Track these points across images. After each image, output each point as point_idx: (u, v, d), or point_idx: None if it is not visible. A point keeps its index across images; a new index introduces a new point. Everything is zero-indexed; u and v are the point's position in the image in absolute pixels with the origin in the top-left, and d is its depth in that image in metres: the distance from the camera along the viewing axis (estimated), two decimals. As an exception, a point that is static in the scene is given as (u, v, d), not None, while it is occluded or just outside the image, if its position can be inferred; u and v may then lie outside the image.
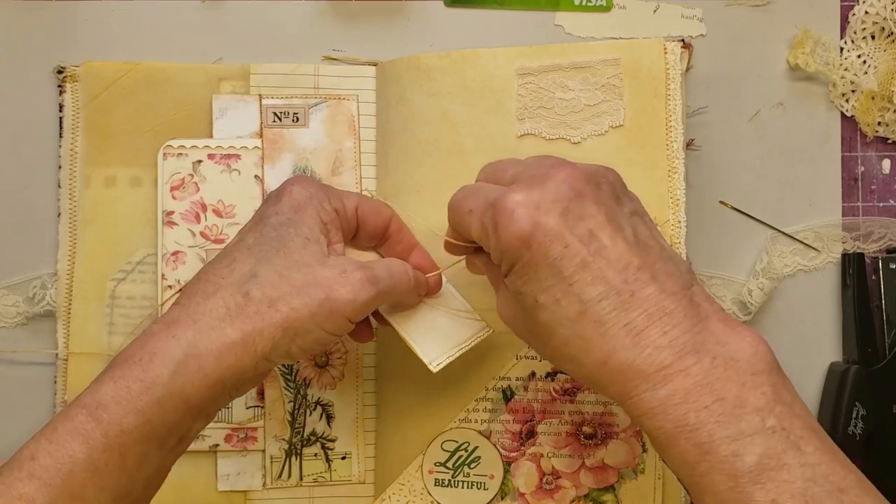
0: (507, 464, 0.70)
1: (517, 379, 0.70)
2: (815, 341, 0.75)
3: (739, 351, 0.50)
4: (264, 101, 0.73)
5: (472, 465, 0.70)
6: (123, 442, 0.51)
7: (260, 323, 0.54)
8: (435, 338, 0.65)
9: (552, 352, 0.53)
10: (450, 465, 0.70)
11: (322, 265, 0.57)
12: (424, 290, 0.65)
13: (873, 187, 0.75)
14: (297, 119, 0.73)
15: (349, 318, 0.57)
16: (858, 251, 0.74)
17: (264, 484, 0.72)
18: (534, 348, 0.57)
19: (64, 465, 0.50)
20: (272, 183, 0.72)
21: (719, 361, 0.50)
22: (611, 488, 0.70)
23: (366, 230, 0.64)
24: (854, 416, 0.71)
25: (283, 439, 0.72)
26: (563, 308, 0.51)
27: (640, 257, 0.52)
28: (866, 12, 0.74)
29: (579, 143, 0.70)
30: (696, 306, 0.51)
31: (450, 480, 0.70)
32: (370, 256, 0.66)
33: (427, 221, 0.70)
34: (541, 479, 0.70)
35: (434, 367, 0.63)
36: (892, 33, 0.74)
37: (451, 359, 0.64)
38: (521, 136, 0.70)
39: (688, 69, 0.73)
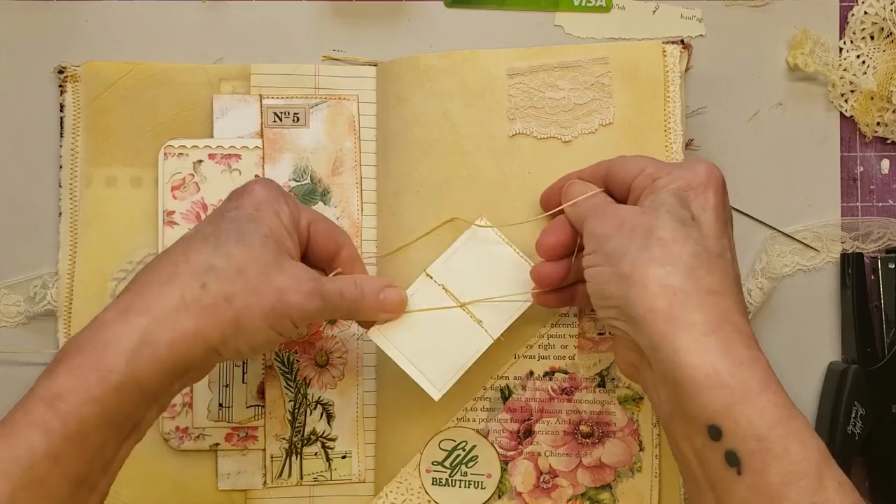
0: (505, 462, 0.70)
1: (515, 378, 0.70)
2: (814, 341, 0.75)
3: None
4: (265, 101, 0.73)
5: (470, 464, 0.70)
6: (83, 430, 0.51)
7: (215, 317, 0.55)
8: (437, 362, 0.66)
9: (663, 253, 0.55)
10: (447, 463, 0.70)
11: (278, 267, 0.58)
12: (389, 310, 0.65)
13: (872, 187, 0.75)
14: (298, 119, 0.73)
15: (294, 322, 0.59)
16: (857, 251, 0.74)
17: (264, 483, 0.72)
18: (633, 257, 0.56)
19: (24, 455, 0.50)
20: (272, 183, 0.72)
21: None
22: (608, 487, 0.70)
23: (315, 250, 0.64)
24: (853, 415, 0.71)
25: (284, 438, 0.72)
26: (709, 241, 0.56)
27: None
28: (865, 13, 0.74)
29: (570, 141, 0.70)
30: None
31: (447, 479, 0.70)
32: None
33: (427, 221, 0.70)
34: (538, 478, 0.70)
35: (437, 396, 0.66)
36: (891, 34, 0.74)
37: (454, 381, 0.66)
38: (513, 135, 0.71)
39: (687, 69, 0.73)
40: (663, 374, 0.54)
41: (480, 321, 0.66)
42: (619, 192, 0.63)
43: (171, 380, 0.55)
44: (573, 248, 0.64)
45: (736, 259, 0.59)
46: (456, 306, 0.67)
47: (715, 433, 0.51)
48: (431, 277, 0.67)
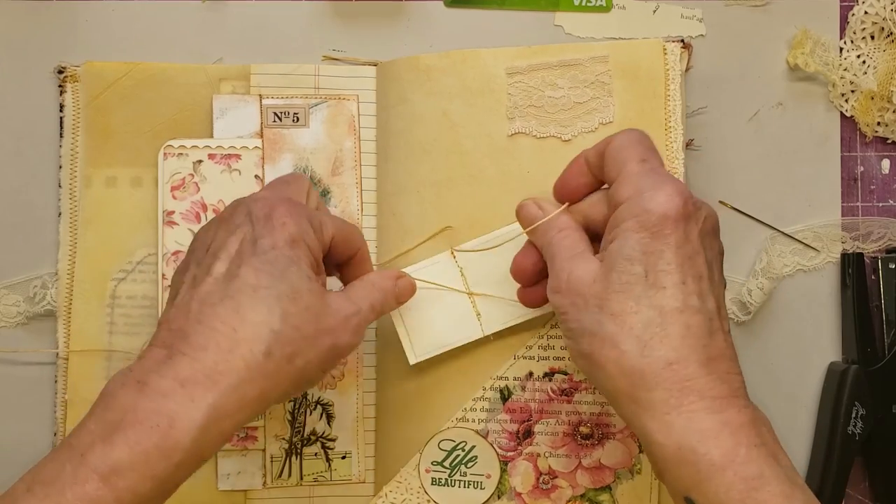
0: (504, 463, 0.70)
1: (515, 379, 0.70)
2: (814, 341, 0.75)
3: (765, 417, 0.55)
4: (264, 101, 0.73)
5: (469, 465, 0.70)
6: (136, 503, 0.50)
7: (278, 379, 0.54)
8: (425, 333, 0.69)
9: (617, 326, 0.54)
10: (447, 464, 0.70)
11: (326, 309, 0.57)
12: (405, 299, 0.67)
13: (873, 187, 0.75)
14: (298, 119, 0.73)
15: (343, 357, 0.60)
16: (858, 251, 0.74)
17: (264, 483, 0.72)
18: (586, 313, 0.56)
19: None
20: (272, 183, 0.72)
21: (758, 415, 0.54)
22: (607, 488, 0.70)
23: (332, 255, 0.63)
24: (853, 415, 0.71)
25: (284, 439, 0.72)
26: (666, 296, 0.53)
27: (726, 312, 0.57)
28: (866, 12, 0.74)
29: (570, 140, 0.70)
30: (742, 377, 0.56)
31: (446, 479, 0.70)
32: None
33: (427, 221, 0.70)
34: (537, 479, 0.70)
35: (412, 361, 0.69)
36: (891, 33, 0.74)
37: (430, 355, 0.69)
38: (512, 134, 0.71)
39: (687, 69, 0.73)
40: (642, 445, 0.55)
41: (479, 314, 0.69)
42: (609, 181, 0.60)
43: (227, 441, 0.55)
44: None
45: (709, 289, 0.55)
46: (464, 292, 0.69)
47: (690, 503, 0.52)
48: (455, 258, 0.69)
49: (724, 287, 0.58)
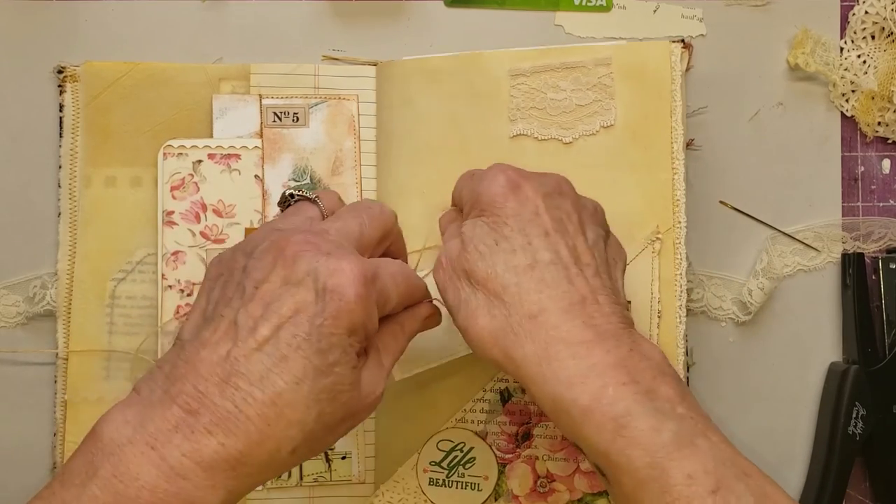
0: (502, 465, 0.70)
1: (515, 381, 0.70)
2: (815, 341, 0.74)
3: (651, 351, 0.54)
4: (264, 101, 0.73)
5: (467, 466, 0.70)
6: None
7: (293, 465, 0.53)
8: (412, 350, 0.65)
9: (485, 294, 0.55)
10: (445, 464, 0.70)
11: (357, 397, 0.53)
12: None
13: (873, 187, 0.75)
14: (298, 119, 0.73)
15: None
16: (858, 251, 0.74)
17: (264, 484, 0.72)
18: (456, 297, 0.57)
19: None
20: (272, 182, 0.72)
21: (635, 353, 0.53)
22: (604, 493, 0.70)
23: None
24: (854, 416, 0.71)
25: (283, 439, 0.72)
26: (517, 257, 0.55)
27: (594, 258, 0.57)
28: (866, 12, 0.74)
29: (571, 143, 0.70)
30: (625, 316, 0.56)
31: (444, 480, 0.70)
32: None
33: (432, 222, 0.70)
34: (535, 482, 0.70)
35: (397, 377, 0.67)
36: (892, 33, 0.73)
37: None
38: (514, 136, 0.71)
39: (688, 69, 0.73)
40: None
41: None
42: None
43: None
44: None
45: (560, 240, 0.56)
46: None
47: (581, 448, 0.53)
48: None
49: (606, 236, 0.60)
